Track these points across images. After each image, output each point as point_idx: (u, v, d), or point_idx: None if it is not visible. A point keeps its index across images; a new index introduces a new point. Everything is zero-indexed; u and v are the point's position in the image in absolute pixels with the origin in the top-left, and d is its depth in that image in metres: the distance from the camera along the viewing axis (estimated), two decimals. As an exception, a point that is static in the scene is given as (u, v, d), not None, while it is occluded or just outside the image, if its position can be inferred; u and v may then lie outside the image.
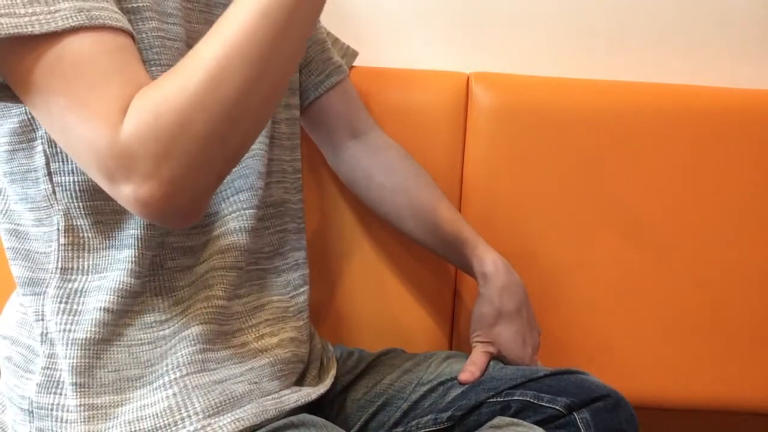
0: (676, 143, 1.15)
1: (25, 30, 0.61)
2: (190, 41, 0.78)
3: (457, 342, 1.18)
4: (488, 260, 0.97)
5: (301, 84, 1.03)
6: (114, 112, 0.62)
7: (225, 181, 0.83)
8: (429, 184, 1.05)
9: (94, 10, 0.63)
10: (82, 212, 0.75)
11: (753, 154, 1.15)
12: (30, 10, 0.61)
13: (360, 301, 1.17)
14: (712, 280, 1.16)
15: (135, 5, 0.72)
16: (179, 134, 0.61)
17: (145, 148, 0.61)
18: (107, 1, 0.65)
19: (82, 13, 0.62)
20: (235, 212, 0.84)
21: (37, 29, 0.61)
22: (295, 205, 0.95)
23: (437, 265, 1.16)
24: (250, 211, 0.85)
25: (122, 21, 0.65)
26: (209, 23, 0.81)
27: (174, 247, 0.79)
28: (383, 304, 1.17)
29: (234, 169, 0.84)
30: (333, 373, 0.92)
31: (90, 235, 0.75)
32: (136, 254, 0.76)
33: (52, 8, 0.62)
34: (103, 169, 0.62)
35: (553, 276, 1.16)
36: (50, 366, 0.75)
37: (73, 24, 0.62)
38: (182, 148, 0.62)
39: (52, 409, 0.74)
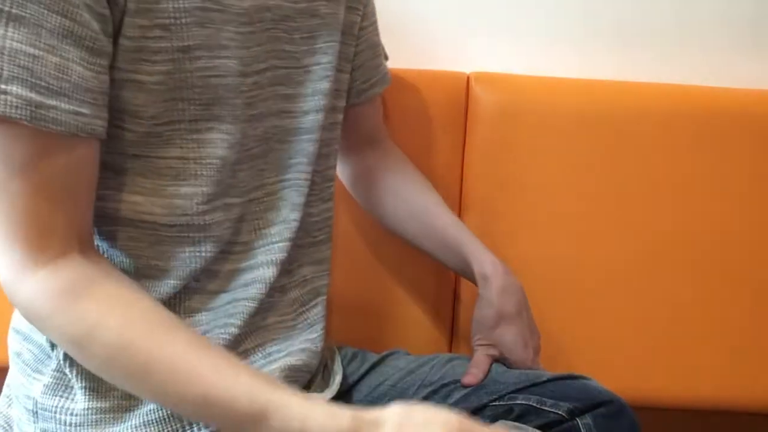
0: (676, 143, 1.15)
1: None
2: (245, 69, 0.77)
3: (457, 344, 1.18)
4: (488, 262, 0.97)
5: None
6: (19, 245, 0.65)
7: (255, 210, 0.82)
8: (429, 189, 1.05)
9: (43, 108, 0.62)
10: (98, 237, 0.75)
11: (752, 154, 1.15)
12: None
13: (360, 304, 1.17)
14: (713, 280, 1.16)
15: (185, 44, 0.71)
16: (48, 330, 0.68)
17: (23, 306, 0.67)
18: (80, 92, 0.64)
19: (28, 108, 0.61)
20: (264, 246, 0.83)
21: None
22: (318, 216, 0.92)
23: (437, 268, 1.15)
24: (280, 244, 0.84)
25: (78, 120, 0.64)
26: (273, 40, 0.80)
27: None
28: (382, 307, 1.17)
29: (264, 199, 0.84)
30: (339, 378, 0.91)
31: (108, 254, 0.76)
32: (157, 282, 0.76)
33: (2, 87, 0.60)
34: None
35: (553, 275, 1.16)
36: (61, 369, 0.75)
37: (13, 114, 0.61)
38: (52, 335, 0.69)
39: (56, 412, 0.74)
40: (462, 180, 1.18)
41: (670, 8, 1.23)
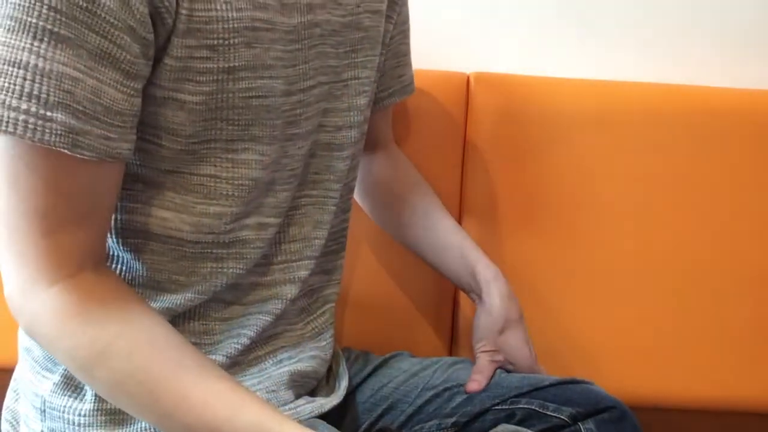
0: (676, 143, 1.15)
1: (4, 128, 0.59)
2: (289, 87, 0.76)
3: (456, 348, 1.18)
4: (491, 269, 0.97)
5: None
6: (33, 262, 0.64)
7: (279, 223, 0.82)
8: (431, 194, 1.06)
9: (81, 134, 0.61)
10: (122, 249, 0.75)
11: (753, 154, 1.15)
12: (24, 106, 0.59)
13: (361, 306, 1.17)
14: (713, 280, 1.16)
15: (231, 65, 0.69)
16: (55, 349, 0.68)
17: (30, 322, 0.66)
18: (110, 115, 0.63)
19: (70, 136, 0.60)
20: (283, 263, 0.83)
21: (19, 131, 0.59)
22: (337, 227, 0.92)
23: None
24: (300, 262, 0.84)
25: (107, 145, 0.63)
26: (321, 56, 0.79)
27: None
28: (384, 310, 1.17)
29: (288, 213, 0.83)
30: (345, 383, 0.91)
31: (130, 265, 0.76)
32: (176, 295, 0.76)
33: (47, 114, 0.59)
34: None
35: (553, 277, 1.16)
36: None
37: (57, 144, 0.60)
38: (58, 355, 0.68)
39: (64, 411, 0.74)
40: (462, 180, 1.18)
41: (670, 8, 1.23)
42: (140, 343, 0.66)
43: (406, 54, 1.01)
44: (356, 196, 1.08)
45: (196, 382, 0.65)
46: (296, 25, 0.75)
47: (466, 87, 1.17)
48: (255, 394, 0.67)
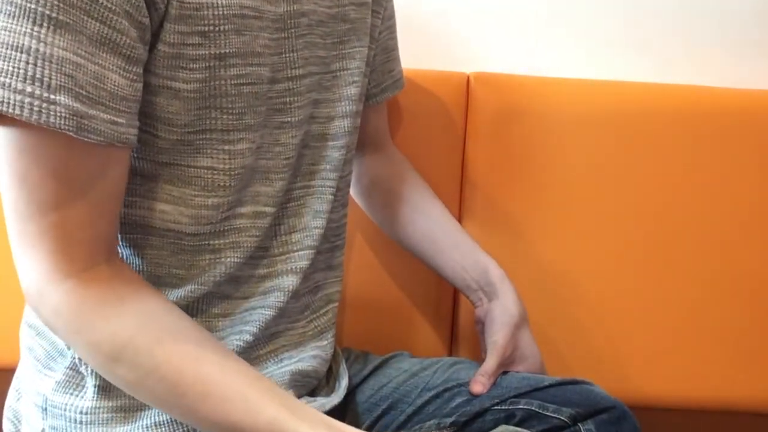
0: (676, 143, 1.15)
1: (11, 111, 0.59)
2: (275, 75, 0.77)
3: (456, 347, 1.18)
4: (501, 269, 0.97)
5: None
6: (47, 255, 0.64)
7: (277, 215, 0.82)
8: (432, 196, 1.05)
9: (86, 118, 0.61)
10: (122, 244, 0.75)
11: (753, 154, 1.15)
12: (28, 89, 0.59)
13: (361, 306, 1.17)
14: (713, 281, 1.16)
15: (222, 51, 0.70)
16: (76, 345, 0.68)
17: (49, 317, 0.66)
18: (116, 100, 0.64)
19: (74, 119, 0.61)
20: (284, 254, 0.83)
21: (25, 114, 0.60)
22: (338, 222, 0.92)
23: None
24: (301, 252, 0.84)
25: (115, 130, 0.64)
26: (310, 46, 0.80)
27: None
28: (383, 309, 1.17)
29: (287, 205, 0.84)
30: (345, 383, 0.91)
31: (130, 261, 0.76)
32: (176, 289, 0.76)
33: (51, 96, 0.60)
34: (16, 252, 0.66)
35: (553, 277, 1.16)
36: (76, 367, 0.75)
37: (62, 126, 0.60)
38: (79, 351, 0.69)
39: (65, 409, 0.75)
40: (462, 180, 1.18)
41: (670, 8, 1.23)
42: (160, 338, 0.66)
43: (395, 49, 1.03)
44: (355, 196, 1.08)
45: (216, 378, 0.66)
46: (282, 14, 0.76)
47: (466, 87, 1.17)
48: (274, 388, 0.68)
